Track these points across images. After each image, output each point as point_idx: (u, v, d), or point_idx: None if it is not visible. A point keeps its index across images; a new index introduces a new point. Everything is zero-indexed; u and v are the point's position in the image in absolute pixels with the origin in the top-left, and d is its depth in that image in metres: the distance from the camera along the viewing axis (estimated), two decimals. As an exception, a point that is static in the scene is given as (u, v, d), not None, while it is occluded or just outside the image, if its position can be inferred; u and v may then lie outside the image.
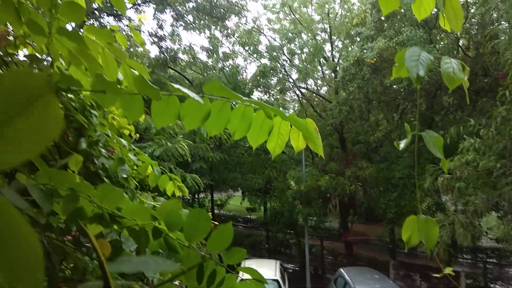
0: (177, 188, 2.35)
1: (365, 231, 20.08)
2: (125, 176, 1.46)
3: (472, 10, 12.17)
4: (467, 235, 8.55)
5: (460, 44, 12.83)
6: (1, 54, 1.49)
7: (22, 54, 1.60)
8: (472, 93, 12.50)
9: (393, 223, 13.98)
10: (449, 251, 9.28)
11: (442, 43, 13.33)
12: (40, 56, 1.51)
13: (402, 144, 0.89)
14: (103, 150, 1.47)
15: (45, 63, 1.51)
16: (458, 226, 8.25)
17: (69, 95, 1.57)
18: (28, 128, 0.25)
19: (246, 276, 0.88)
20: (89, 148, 1.47)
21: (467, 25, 12.17)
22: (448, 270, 1.24)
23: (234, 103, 0.97)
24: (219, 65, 17.41)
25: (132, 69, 1.30)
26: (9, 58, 1.46)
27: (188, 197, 17.41)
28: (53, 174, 0.92)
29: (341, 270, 10.97)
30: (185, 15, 14.50)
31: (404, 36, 11.55)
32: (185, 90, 0.78)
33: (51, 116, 0.25)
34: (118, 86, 1.61)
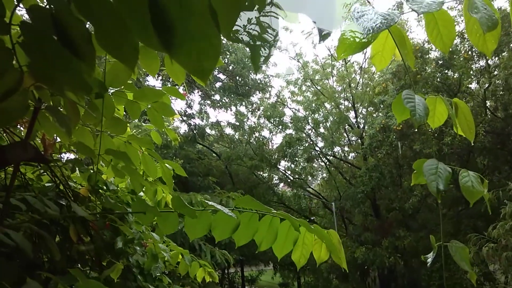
0: (207, 274, 2.32)
1: (410, 306, 18.45)
2: (158, 274, 1.47)
3: (496, 72, 12.25)
4: (524, 310, 7.74)
5: (488, 106, 12.73)
6: (49, 159, 1.62)
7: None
8: (507, 154, 12.10)
9: (439, 297, 12.86)
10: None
11: (468, 105, 13.28)
12: (81, 159, 1.63)
13: (429, 260, 0.87)
14: (137, 248, 1.50)
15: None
16: (514, 301, 7.51)
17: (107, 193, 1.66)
18: None
19: None
20: (124, 246, 1.50)
21: (492, 87, 12.18)
22: None
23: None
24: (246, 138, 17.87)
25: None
26: (55, 164, 1.58)
27: (218, 274, 16.85)
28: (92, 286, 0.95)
29: None
30: (212, 95, 15.35)
31: (428, 102, 11.61)
32: (218, 206, 0.82)
33: None
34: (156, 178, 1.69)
